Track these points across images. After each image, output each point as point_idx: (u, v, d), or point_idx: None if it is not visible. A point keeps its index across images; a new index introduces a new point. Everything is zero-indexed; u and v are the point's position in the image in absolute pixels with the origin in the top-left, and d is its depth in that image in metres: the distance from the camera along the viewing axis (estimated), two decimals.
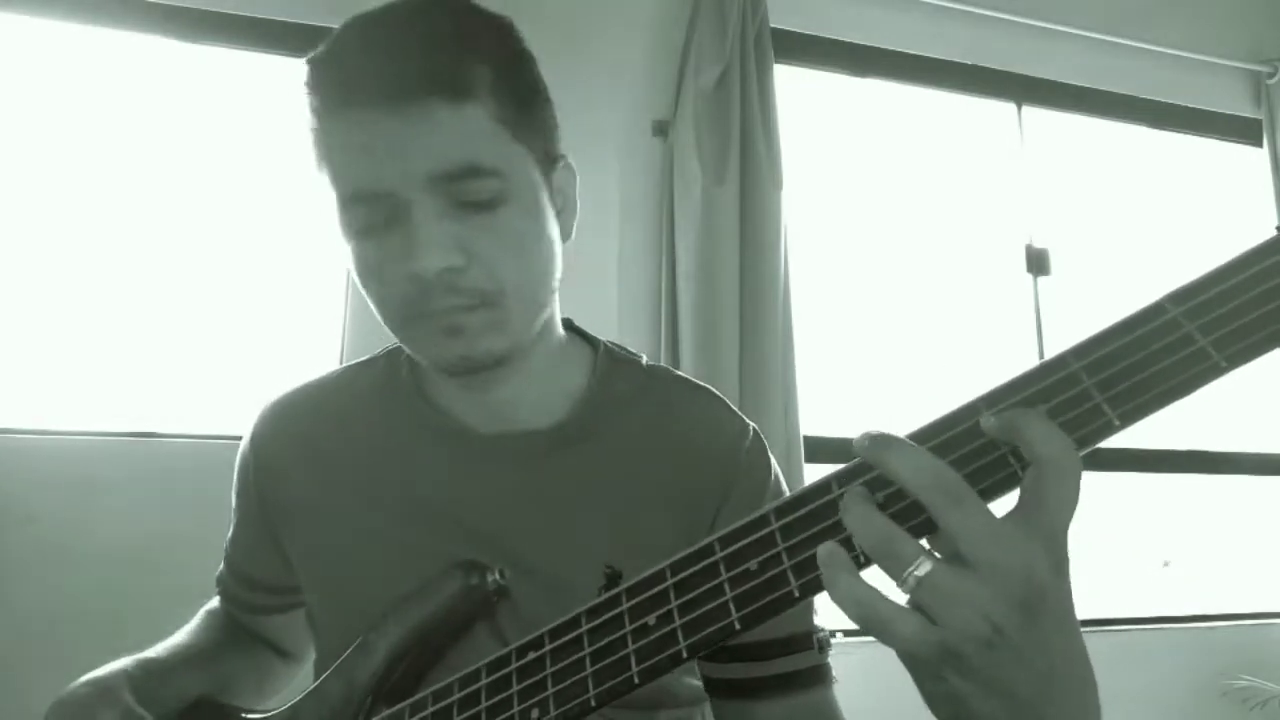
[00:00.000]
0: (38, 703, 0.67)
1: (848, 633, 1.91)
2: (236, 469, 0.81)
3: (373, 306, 0.67)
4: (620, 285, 2.11)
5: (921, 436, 0.43)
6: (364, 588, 0.70)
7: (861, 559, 0.42)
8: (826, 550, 0.42)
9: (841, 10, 2.42)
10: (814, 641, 0.69)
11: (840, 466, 0.46)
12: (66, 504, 1.68)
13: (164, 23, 1.96)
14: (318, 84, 0.63)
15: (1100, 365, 0.41)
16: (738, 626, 0.45)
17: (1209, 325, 0.39)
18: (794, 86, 2.39)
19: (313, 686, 0.69)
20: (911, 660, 0.42)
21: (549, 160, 0.68)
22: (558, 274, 0.69)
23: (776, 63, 2.24)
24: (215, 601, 0.88)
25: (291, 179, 2.05)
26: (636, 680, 0.47)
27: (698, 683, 0.75)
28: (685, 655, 0.46)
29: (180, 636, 0.80)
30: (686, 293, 2.05)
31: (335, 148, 0.62)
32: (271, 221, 2.02)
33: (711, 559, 0.46)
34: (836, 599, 0.42)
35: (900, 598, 0.41)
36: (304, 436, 0.77)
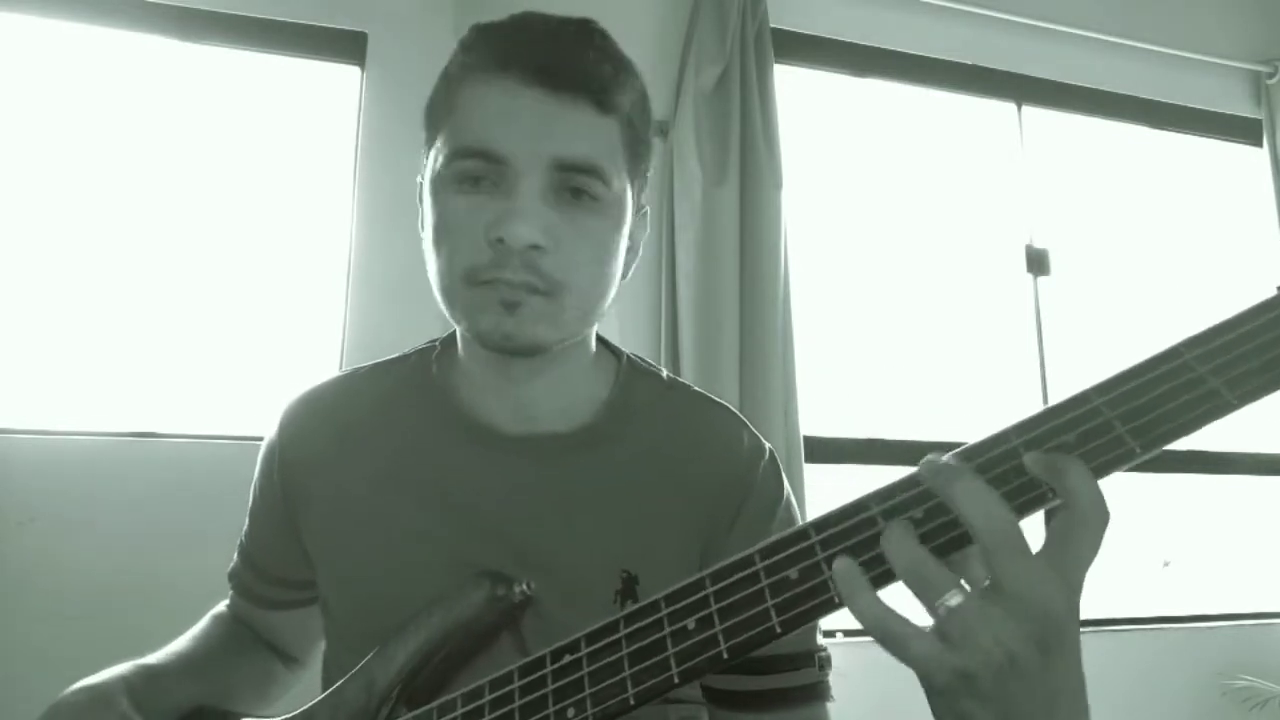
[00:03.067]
0: (38, 703, 0.67)
1: (848, 633, 1.91)
2: (260, 459, 0.81)
3: (434, 265, 0.68)
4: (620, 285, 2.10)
5: (965, 456, 0.47)
6: (382, 582, 0.71)
7: (880, 577, 0.46)
8: (843, 566, 0.46)
9: (841, 10, 2.42)
10: (815, 660, 0.70)
11: (879, 486, 0.49)
12: (66, 504, 1.68)
13: (164, 23, 1.96)
14: (481, 45, 0.67)
15: (1121, 400, 0.46)
16: (779, 630, 0.47)
17: (1220, 369, 0.44)
18: (794, 86, 2.39)
19: (330, 690, 0.69)
20: (927, 679, 0.45)
21: (637, 205, 0.73)
22: (611, 298, 0.72)
23: (776, 63, 2.24)
24: (222, 606, 0.88)
25: (291, 179, 2.05)
26: (677, 680, 0.49)
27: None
28: (727, 656, 0.48)
29: (181, 643, 0.80)
30: (686, 293, 2.04)
31: (472, 103, 0.65)
32: (272, 221, 2.02)
33: (751, 569, 0.49)
34: (857, 614, 0.45)
35: (923, 619, 0.44)
36: (332, 429, 0.77)
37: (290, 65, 2.07)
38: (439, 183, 0.67)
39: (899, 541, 0.45)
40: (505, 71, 0.64)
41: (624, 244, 0.71)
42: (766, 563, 0.49)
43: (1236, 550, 2.73)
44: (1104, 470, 0.45)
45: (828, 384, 2.28)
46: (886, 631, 0.44)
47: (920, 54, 2.50)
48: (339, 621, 0.75)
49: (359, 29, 2.05)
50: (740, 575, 0.49)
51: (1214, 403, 0.44)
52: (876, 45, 2.46)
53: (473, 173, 0.64)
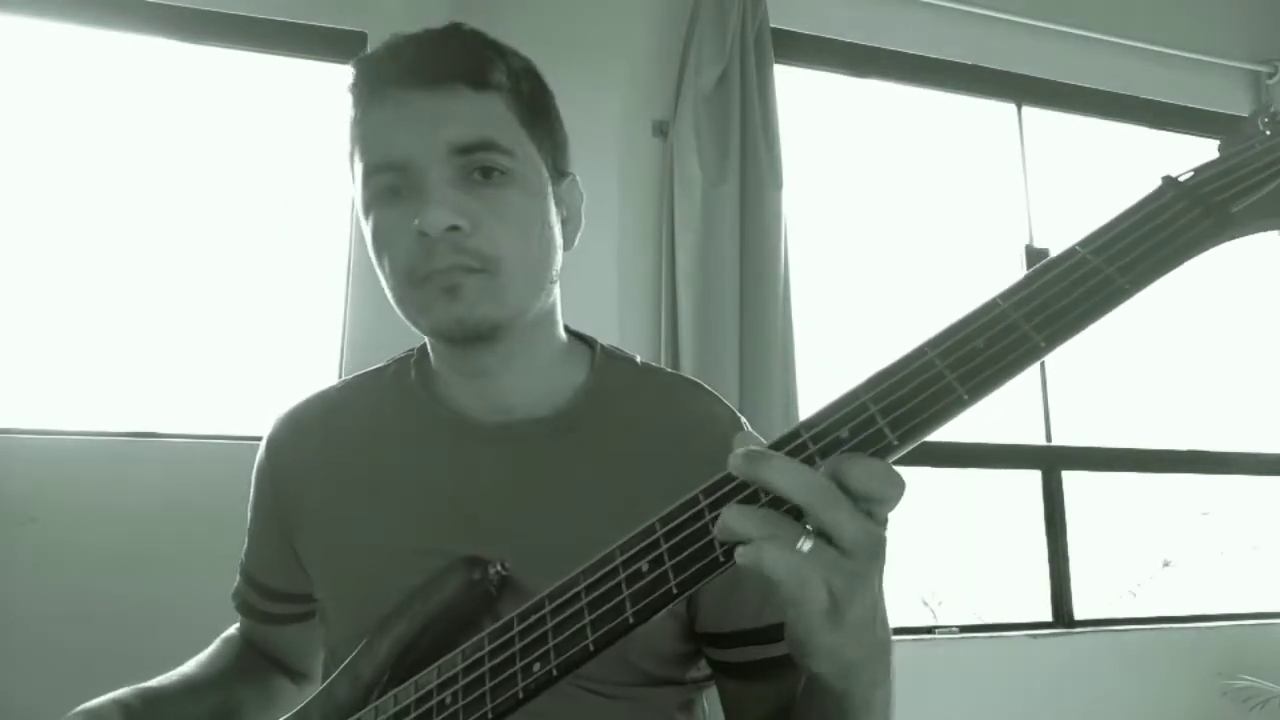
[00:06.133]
0: (38, 702, 0.67)
1: None
2: (254, 480, 0.83)
3: (383, 279, 0.71)
4: (620, 285, 2.10)
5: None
6: (376, 584, 0.71)
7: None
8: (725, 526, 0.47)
9: (841, 10, 2.42)
10: None
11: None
12: (66, 504, 1.68)
13: (164, 23, 1.96)
14: (359, 76, 0.72)
15: (1025, 301, 0.49)
16: (721, 560, 0.49)
17: (1112, 258, 0.49)
18: (794, 86, 2.39)
19: (321, 687, 0.70)
20: (807, 616, 0.47)
21: (557, 171, 0.75)
22: (557, 265, 0.74)
23: (776, 63, 2.24)
24: (233, 629, 0.90)
25: (291, 179, 2.05)
26: (632, 620, 0.50)
27: (699, 674, 0.77)
28: (676, 591, 0.50)
29: (187, 666, 0.82)
30: (686, 293, 2.04)
31: (368, 125, 0.70)
32: (272, 222, 2.02)
33: (697, 508, 0.51)
34: (769, 567, 0.46)
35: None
36: (319, 443, 0.79)
37: (290, 65, 2.07)
38: (365, 207, 0.70)
39: (736, 508, 0.47)
40: (387, 88, 0.69)
41: (552, 211, 0.73)
42: (710, 500, 0.51)
43: (1236, 550, 2.73)
44: (1017, 366, 0.47)
45: (828, 384, 2.28)
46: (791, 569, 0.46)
47: (920, 54, 2.50)
48: (337, 628, 0.77)
49: (359, 29, 2.04)
50: (687, 515, 0.51)
51: (1109, 289, 0.48)
52: (876, 45, 2.46)
53: (387, 185, 0.68)
